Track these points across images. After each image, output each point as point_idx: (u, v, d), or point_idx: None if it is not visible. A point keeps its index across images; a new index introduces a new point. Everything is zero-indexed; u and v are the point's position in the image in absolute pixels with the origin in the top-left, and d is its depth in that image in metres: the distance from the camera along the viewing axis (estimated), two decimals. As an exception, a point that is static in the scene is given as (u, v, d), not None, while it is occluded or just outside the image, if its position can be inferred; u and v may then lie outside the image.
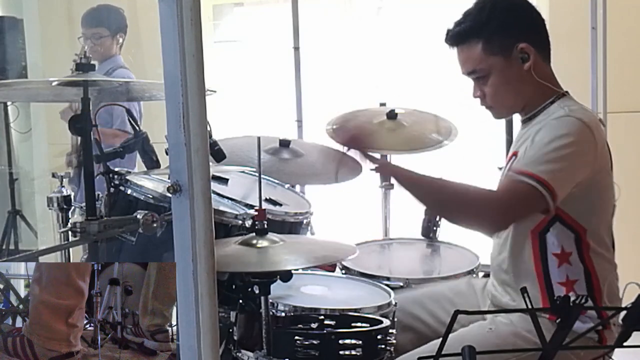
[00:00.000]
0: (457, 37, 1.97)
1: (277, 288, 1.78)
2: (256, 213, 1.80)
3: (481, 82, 1.98)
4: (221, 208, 2.01)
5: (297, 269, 1.87)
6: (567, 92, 1.99)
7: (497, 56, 1.92)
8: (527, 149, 1.86)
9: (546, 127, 1.84)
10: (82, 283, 1.52)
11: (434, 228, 2.69)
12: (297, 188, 2.69)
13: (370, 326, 1.83)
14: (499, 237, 1.99)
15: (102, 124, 3.36)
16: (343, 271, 2.38)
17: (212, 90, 1.56)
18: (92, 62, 1.87)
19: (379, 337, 1.79)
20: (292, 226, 2.22)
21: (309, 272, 2.22)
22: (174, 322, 1.54)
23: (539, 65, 1.93)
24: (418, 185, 1.90)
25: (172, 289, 1.46)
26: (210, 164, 1.85)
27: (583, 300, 1.29)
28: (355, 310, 1.93)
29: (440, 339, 1.30)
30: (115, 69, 3.61)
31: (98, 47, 3.56)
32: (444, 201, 1.91)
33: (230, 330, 1.92)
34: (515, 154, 1.96)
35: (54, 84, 1.80)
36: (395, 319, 1.96)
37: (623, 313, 1.34)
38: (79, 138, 1.81)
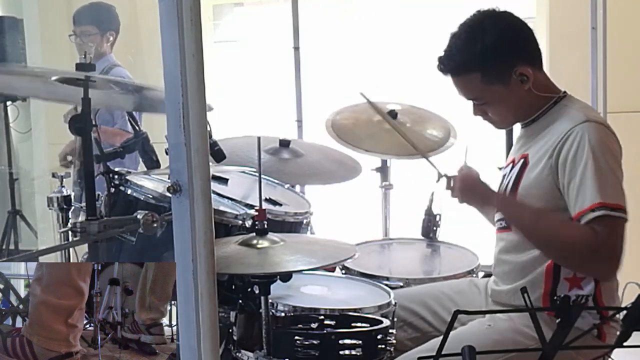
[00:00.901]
0: (452, 70, 1.96)
1: (277, 288, 1.78)
2: (256, 213, 1.80)
3: (482, 105, 2.01)
4: (221, 208, 2.01)
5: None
6: (565, 92, 2.00)
7: (497, 85, 1.94)
8: (553, 160, 1.86)
9: (573, 138, 1.83)
10: (83, 283, 1.52)
11: (434, 228, 2.69)
12: (297, 188, 2.68)
13: (370, 326, 1.83)
14: (515, 237, 1.99)
15: (104, 123, 3.36)
16: (343, 271, 2.38)
17: (210, 108, 1.55)
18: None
19: (379, 337, 1.79)
20: (292, 226, 2.21)
21: (309, 272, 2.22)
22: (169, 318, 1.54)
23: (538, 79, 1.95)
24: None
25: (169, 286, 1.47)
26: (210, 164, 1.85)
27: (583, 301, 1.29)
28: (355, 310, 1.93)
29: (440, 337, 1.31)
30: (111, 68, 3.59)
31: (88, 45, 3.52)
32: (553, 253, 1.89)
33: (230, 330, 1.92)
34: (525, 157, 1.96)
35: (52, 78, 1.79)
36: (395, 318, 1.96)
37: (623, 313, 1.35)
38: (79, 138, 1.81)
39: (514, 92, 1.94)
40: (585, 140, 1.81)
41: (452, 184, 2.10)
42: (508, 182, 2.00)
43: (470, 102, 2.04)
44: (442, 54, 1.98)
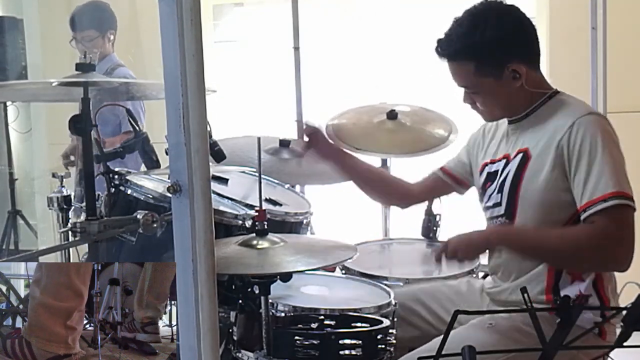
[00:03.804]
0: (449, 54, 1.97)
1: (277, 288, 1.78)
2: (256, 213, 1.80)
3: (472, 94, 2.01)
4: (221, 208, 2.01)
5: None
6: (557, 90, 2.01)
7: (489, 77, 1.94)
8: (556, 153, 1.86)
9: (577, 130, 1.84)
10: (82, 286, 1.51)
11: (434, 228, 2.69)
12: (297, 188, 2.68)
13: (370, 326, 1.83)
14: None
15: (107, 123, 3.35)
16: (343, 271, 2.38)
17: (212, 90, 1.56)
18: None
19: (379, 337, 1.79)
20: (292, 226, 2.21)
21: (309, 272, 2.21)
22: (169, 318, 1.54)
23: (531, 77, 1.95)
24: (530, 254, 1.92)
25: (166, 285, 1.47)
26: (210, 164, 1.85)
27: (583, 300, 1.29)
28: (355, 310, 1.93)
29: (440, 337, 1.30)
30: (115, 68, 3.58)
31: (91, 49, 3.50)
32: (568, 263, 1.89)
33: (230, 330, 1.92)
34: (524, 151, 1.96)
35: (54, 84, 1.80)
36: (395, 319, 1.96)
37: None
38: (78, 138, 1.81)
39: (505, 87, 1.94)
40: (591, 131, 1.83)
41: (445, 249, 1.98)
42: (506, 177, 1.99)
43: (462, 90, 2.04)
44: (442, 36, 1.98)
